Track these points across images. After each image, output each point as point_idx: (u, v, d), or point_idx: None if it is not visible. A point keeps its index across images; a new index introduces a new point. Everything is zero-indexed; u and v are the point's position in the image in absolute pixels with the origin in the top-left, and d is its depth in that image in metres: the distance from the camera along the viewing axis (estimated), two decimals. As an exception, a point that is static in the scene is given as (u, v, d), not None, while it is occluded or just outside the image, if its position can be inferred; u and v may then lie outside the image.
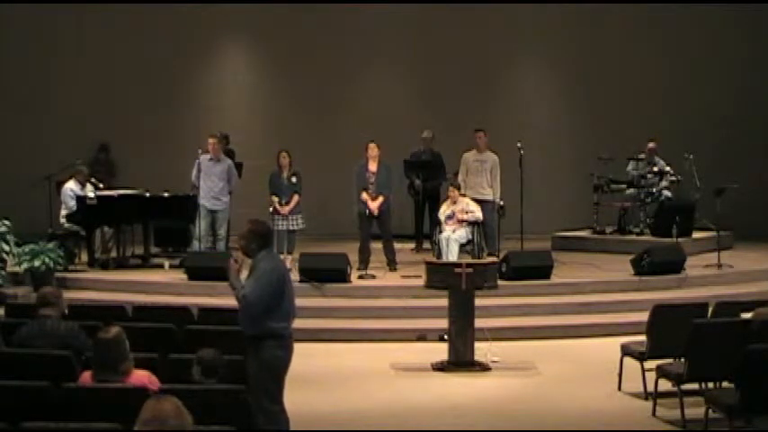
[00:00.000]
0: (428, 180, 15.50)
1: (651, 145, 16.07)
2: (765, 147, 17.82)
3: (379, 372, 10.28)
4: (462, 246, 13.43)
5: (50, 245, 13.11)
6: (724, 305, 9.71)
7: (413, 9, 17.62)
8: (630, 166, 16.20)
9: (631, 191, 16.10)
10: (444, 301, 10.68)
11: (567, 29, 17.87)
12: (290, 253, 13.55)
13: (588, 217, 16.29)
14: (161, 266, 14.06)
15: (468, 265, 10.62)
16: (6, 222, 13.12)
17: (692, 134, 16.96)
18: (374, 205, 13.39)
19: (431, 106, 17.38)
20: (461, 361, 10.34)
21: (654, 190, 15.85)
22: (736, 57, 17.93)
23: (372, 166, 13.56)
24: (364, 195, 13.47)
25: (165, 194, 14.26)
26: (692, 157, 15.56)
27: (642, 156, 16.15)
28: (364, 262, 13.37)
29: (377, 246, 14.05)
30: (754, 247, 15.86)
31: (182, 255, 14.09)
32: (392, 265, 13.67)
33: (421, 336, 11.58)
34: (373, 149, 13.57)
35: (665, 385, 8.71)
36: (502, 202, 14.32)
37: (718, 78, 17.87)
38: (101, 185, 14.72)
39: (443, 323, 10.71)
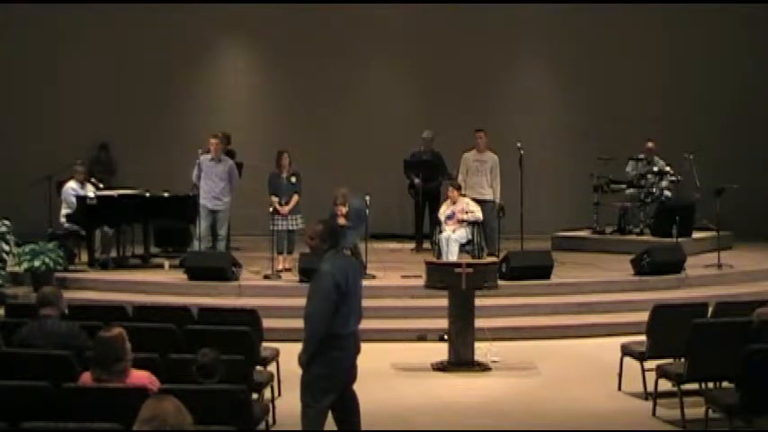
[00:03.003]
0: (428, 180, 15.51)
1: (650, 145, 16.07)
2: (765, 147, 17.81)
3: (379, 372, 10.25)
4: (462, 246, 13.43)
5: (50, 245, 13.11)
6: (724, 305, 9.72)
7: (413, 9, 17.64)
8: (630, 166, 16.20)
9: (631, 191, 16.09)
10: (444, 301, 10.67)
11: (567, 29, 17.88)
12: (290, 253, 13.56)
13: (588, 217, 16.29)
14: (161, 266, 14.06)
15: (468, 265, 10.61)
16: (6, 222, 13.12)
17: (692, 134, 16.97)
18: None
19: (431, 106, 17.39)
20: (461, 361, 10.34)
21: (654, 190, 15.85)
22: (736, 57, 17.93)
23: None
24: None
25: (165, 194, 14.26)
26: (692, 157, 15.56)
27: (642, 156, 16.15)
28: (361, 267, 13.29)
29: (376, 246, 14.07)
30: (754, 247, 15.87)
31: (182, 255, 14.09)
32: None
33: (421, 336, 11.58)
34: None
35: (665, 385, 8.71)
36: (501, 203, 14.34)
37: (718, 78, 17.88)
38: (101, 185, 14.73)
39: (443, 323, 10.71)
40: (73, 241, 14.04)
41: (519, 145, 13.98)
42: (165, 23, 17.50)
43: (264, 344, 9.08)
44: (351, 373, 7.37)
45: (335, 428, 7.33)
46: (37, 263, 12.85)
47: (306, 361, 7.09)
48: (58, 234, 13.84)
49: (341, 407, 7.30)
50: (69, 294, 10.83)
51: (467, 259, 12.50)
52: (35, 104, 17.60)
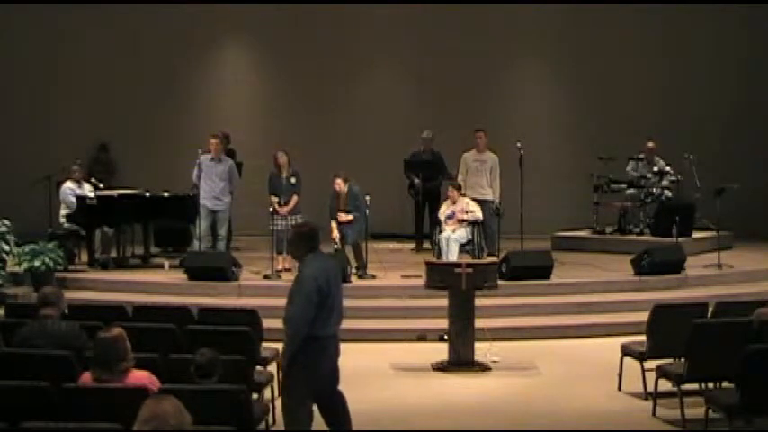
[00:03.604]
0: (428, 180, 15.51)
1: (650, 144, 16.07)
2: (765, 147, 17.81)
3: (379, 372, 10.27)
4: (462, 246, 13.43)
5: (50, 245, 13.10)
6: (724, 305, 9.71)
7: (413, 9, 17.63)
8: (630, 166, 16.19)
9: (631, 191, 16.09)
10: (444, 301, 10.67)
11: (567, 29, 17.88)
12: (289, 253, 13.54)
13: (588, 217, 16.28)
14: (161, 266, 14.05)
15: (468, 265, 10.61)
16: (6, 222, 13.12)
17: (692, 134, 16.96)
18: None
19: (431, 106, 17.39)
20: (461, 361, 10.33)
21: (654, 190, 15.84)
22: (736, 57, 17.93)
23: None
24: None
25: (165, 194, 14.26)
26: (692, 157, 15.55)
27: (642, 156, 16.15)
28: (362, 266, 13.30)
29: (376, 246, 14.03)
30: (754, 247, 15.87)
31: (182, 255, 14.08)
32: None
33: (421, 336, 11.58)
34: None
35: (665, 385, 8.71)
36: (499, 203, 14.33)
37: (718, 78, 17.88)
38: (101, 185, 14.73)
39: (443, 323, 10.70)
40: (73, 241, 14.04)
41: (519, 145, 13.97)
42: (165, 23, 17.51)
43: (264, 344, 9.07)
44: (333, 376, 7.35)
45: (326, 429, 7.33)
46: (37, 263, 12.85)
47: (286, 364, 7.09)
48: (58, 234, 13.83)
49: (329, 409, 7.31)
50: (69, 294, 10.82)
51: (467, 259, 12.49)
52: (35, 104, 17.60)
